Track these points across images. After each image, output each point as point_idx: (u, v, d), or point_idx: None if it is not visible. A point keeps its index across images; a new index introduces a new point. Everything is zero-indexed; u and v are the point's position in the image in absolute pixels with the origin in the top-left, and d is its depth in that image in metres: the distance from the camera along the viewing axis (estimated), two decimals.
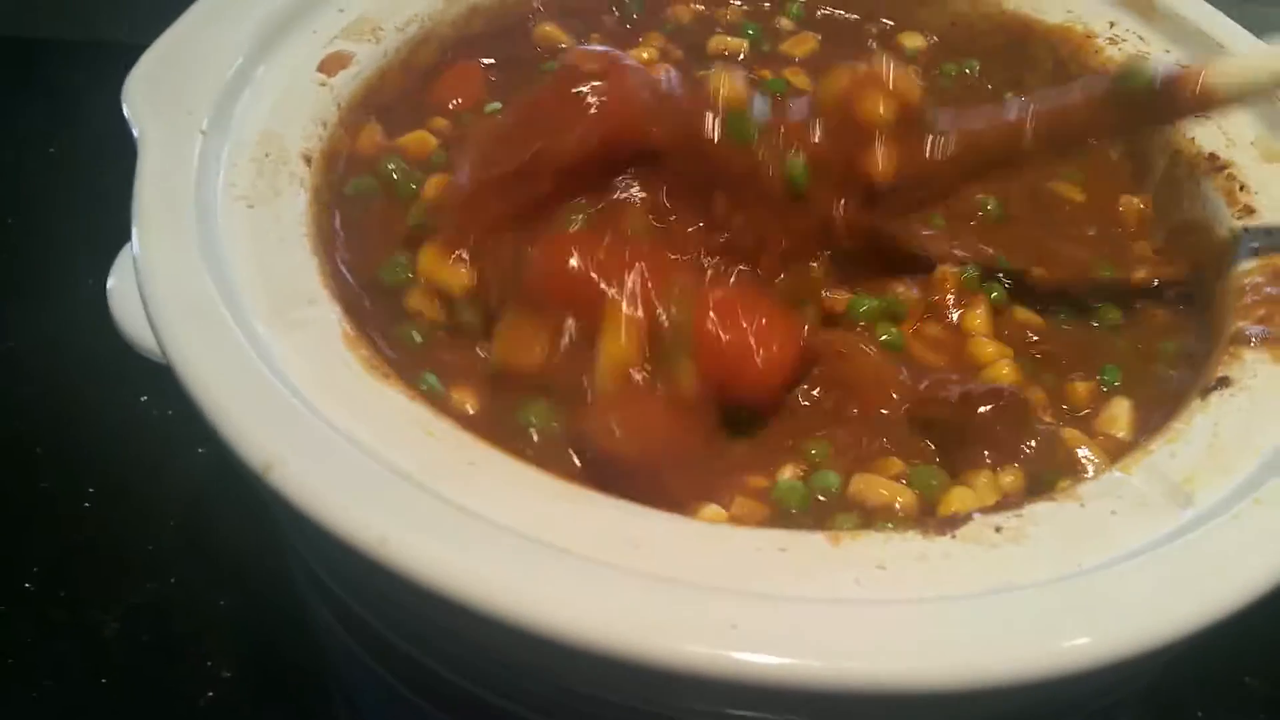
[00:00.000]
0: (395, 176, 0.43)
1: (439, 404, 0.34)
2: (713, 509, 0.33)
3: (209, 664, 0.57)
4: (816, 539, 0.30)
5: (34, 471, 0.65)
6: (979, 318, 0.41)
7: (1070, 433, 0.37)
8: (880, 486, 0.35)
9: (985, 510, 0.31)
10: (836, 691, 0.26)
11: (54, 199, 0.81)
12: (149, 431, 0.66)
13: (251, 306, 0.34)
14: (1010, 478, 0.35)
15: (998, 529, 0.31)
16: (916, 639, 0.27)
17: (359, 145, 0.44)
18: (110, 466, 0.65)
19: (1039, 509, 0.32)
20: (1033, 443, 0.36)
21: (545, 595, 0.27)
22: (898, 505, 0.34)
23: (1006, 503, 0.32)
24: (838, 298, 0.41)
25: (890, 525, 0.32)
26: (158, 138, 0.38)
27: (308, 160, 0.40)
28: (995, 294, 0.42)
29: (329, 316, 0.35)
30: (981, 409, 0.35)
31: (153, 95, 0.40)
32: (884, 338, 0.40)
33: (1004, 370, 0.38)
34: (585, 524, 0.30)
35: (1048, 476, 0.35)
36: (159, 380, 0.66)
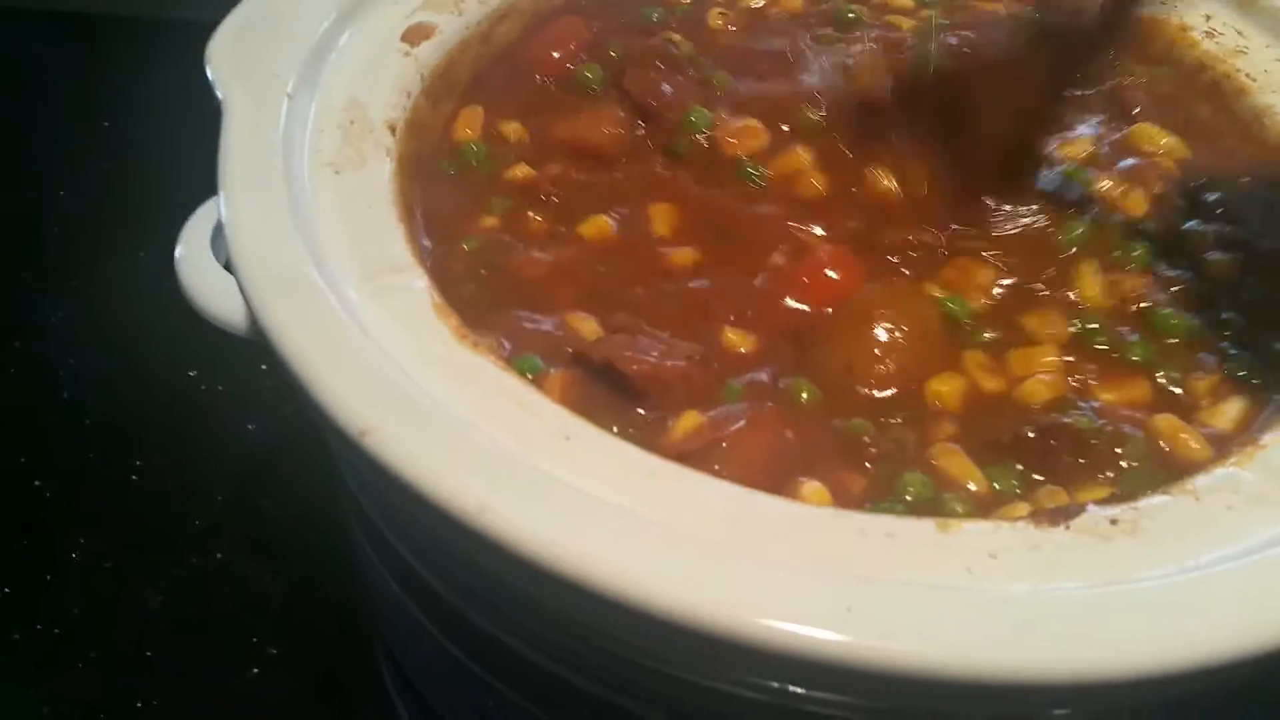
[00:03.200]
0: (475, 163, 0.42)
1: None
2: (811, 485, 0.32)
3: (254, 640, 0.57)
4: (926, 525, 0.29)
5: (83, 443, 0.65)
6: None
7: (1165, 422, 0.35)
8: (956, 464, 0.33)
9: (1099, 502, 0.30)
10: (952, 679, 0.25)
11: (105, 173, 0.81)
12: (199, 406, 0.66)
13: (342, 273, 0.34)
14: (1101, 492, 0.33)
15: (1113, 521, 0.30)
16: (1030, 630, 0.26)
17: (457, 125, 0.43)
18: (159, 440, 0.64)
19: (1153, 502, 0.31)
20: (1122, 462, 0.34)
21: (649, 571, 0.26)
22: (972, 485, 0.33)
23: (1120, 495, 0.31)
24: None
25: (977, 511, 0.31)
26: (243, 101, 0.37)
27: (392, 129, 0.40)
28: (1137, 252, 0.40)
29: (417, 285, 0.34)
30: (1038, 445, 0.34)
31: (237, 59, 0.39)
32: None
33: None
34: (687, 502, 0.29)
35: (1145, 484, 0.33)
36: (210, 355, 0.67)
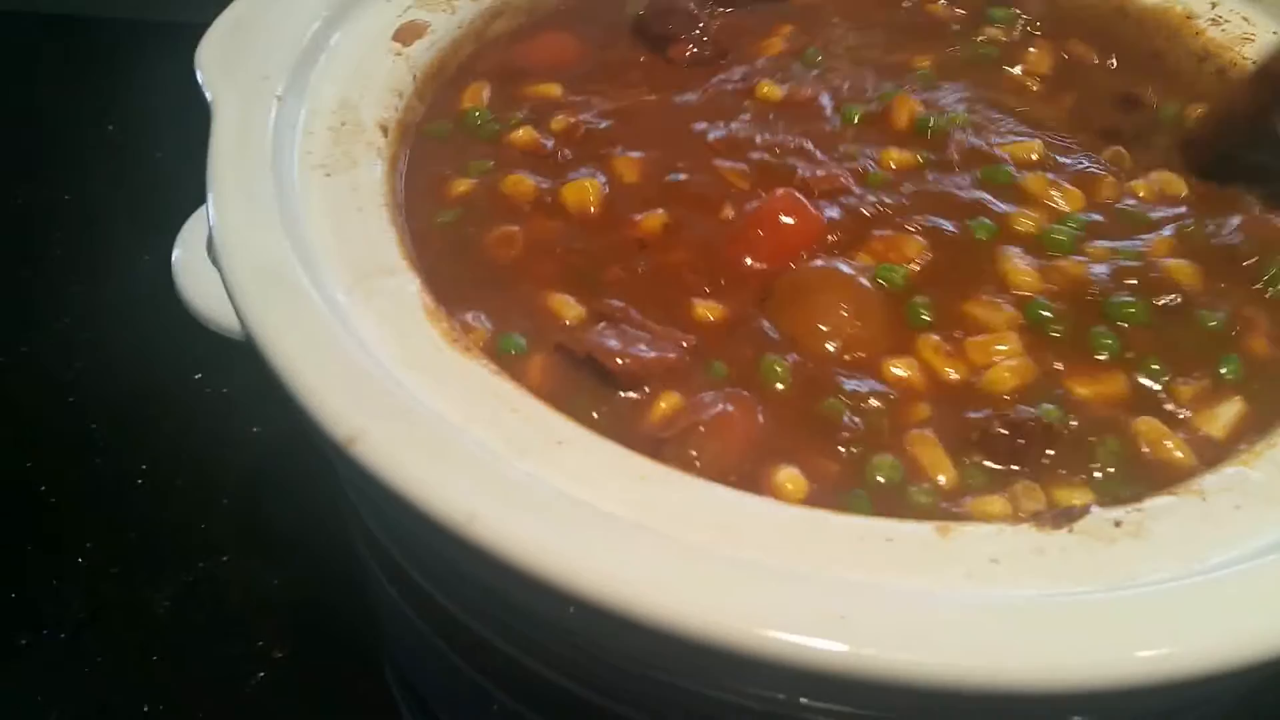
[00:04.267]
0: (479, 122, 0.43)
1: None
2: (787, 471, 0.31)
3: (260, 644, 0.57)
4: (924, 530, 0.28)
5: (88, 448, 0.65)
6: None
7: (1147, 427, 0.33)
8: (928, 453, 0.32)
9: (1104, 504, 0.30)
10: (948, 688, 0.25)
11: (110, 176, 0.81)
12: (203, 409, 0.66)
13: (331, 276, 0.33)
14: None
15: (1117, 524, 0.29)
16: (1035, 637, 0.25)
17: (462, 98, 0.44)
18: (164, 444, 0.64)
19: (1159, 503, 0.30)
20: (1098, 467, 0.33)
21: (641, 579, 0.26)
22: (941, 480, 0.32)
23: (1125, 496, 0.30)
24: None
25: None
26: (232, 104, 0.37)
27: (384, 130, 0.39)
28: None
29: (408, 287, 0.34)
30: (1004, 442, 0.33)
31: (227, 61, 0.39)
32: None
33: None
34: (682, 508, 0.28)
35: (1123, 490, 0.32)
36: (214, 358, 0.67)
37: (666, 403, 0.33)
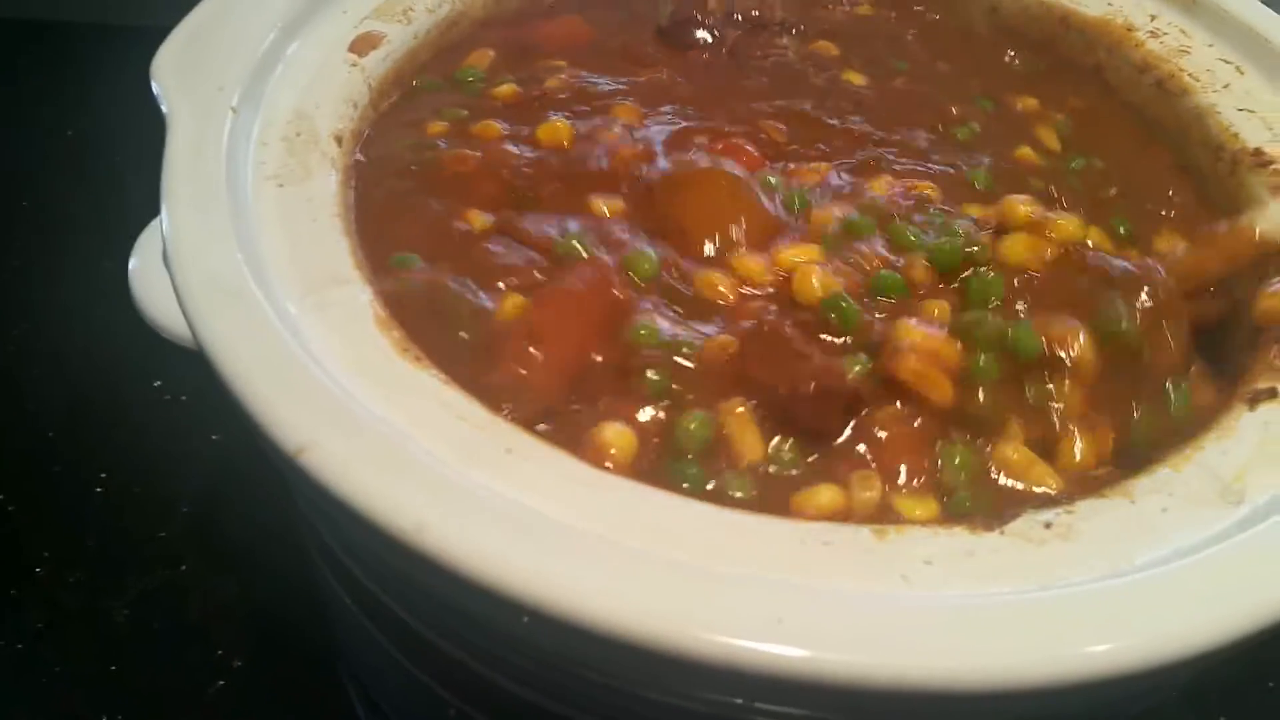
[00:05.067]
0: (470, 79, 0.46)
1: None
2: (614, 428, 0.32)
3: (219, 652, 0.56)
4: (862, 533, 0.29)
5: (46, 455, 0.64)
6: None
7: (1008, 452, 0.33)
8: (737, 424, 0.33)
9: (1035, 506, 0.31)
10: (889, 690, 0.25)
11: (69, 183, 0.81)
12: (162, 417, 0.66)
13: (283, 287, 0.34)
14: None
15: (1047, 525, 0.30)
16: (967, 638, 0.26)
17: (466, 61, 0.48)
18: (123, 451, 0.64)
19: (1089, 505, 0.31)
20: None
21: (586, 585, 0.26)
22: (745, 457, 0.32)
23: (1055, 498, 0.31)
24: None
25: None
26: (187, 115, 0.37)
27: (339, 140, 0.40)
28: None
29: (360, 298, 0.34)
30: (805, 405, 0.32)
31: (182, 72, 0.39)
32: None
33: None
34: (624, 513, 0.29)
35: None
36: (173, 365, 0.66)
37: (511, 302, 0.35)
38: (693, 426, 0.32)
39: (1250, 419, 0.34)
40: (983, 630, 0.27)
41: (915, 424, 0.33)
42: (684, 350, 0.34)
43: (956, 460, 0.32)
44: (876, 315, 0.36)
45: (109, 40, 0.90)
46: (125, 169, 0.81)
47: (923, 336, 0.33)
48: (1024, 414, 0.34)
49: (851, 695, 0.26)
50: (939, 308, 0.36)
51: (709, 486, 0.32)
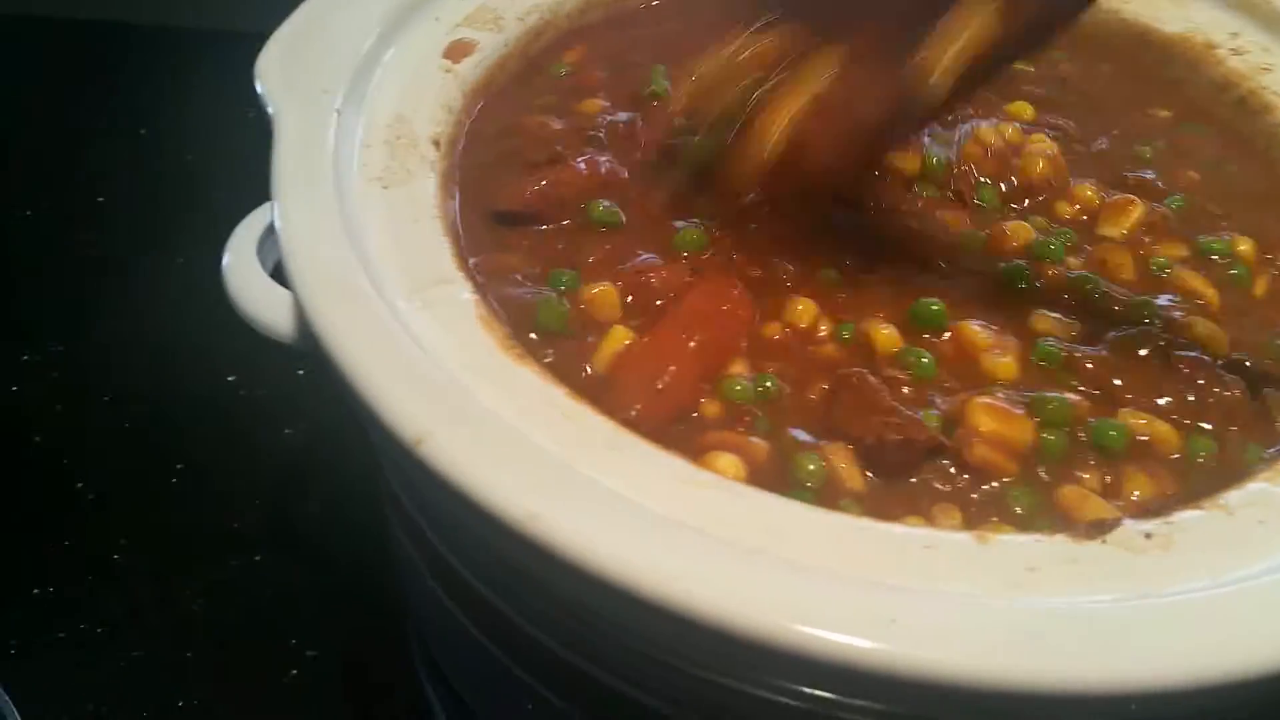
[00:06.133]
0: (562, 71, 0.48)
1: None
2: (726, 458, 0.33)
3: (293, 642, 0.58)
4: (963, 538, 0.30)
5: (125, 446, 0.66)
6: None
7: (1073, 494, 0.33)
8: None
9: (1134, 516, 0.31)
10: (994, 690, 0.26)
11: (144, 179, 0.83)
12: (237, 410, 0.67)
13: (391, 285, 0.35)
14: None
15: (1147, 535, 0.30)
16: (1075, 642, 0.27)
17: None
18: (198, 444, 0.66)
19: (1187, 516, 0.31)
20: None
21: (698, 579, 0.27)
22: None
23: (1155, 509, 0.31)
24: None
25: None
26: (294, 116, 0.39)
27: (436, 144, 0.41)
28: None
29: (464, 296, 0.35)
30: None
31: (287, 73, 0.40)
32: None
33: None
34: (731, 511, 0.30)
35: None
36: (248, 360, 0.68)
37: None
38: (811, 467, 0.33)
39: None
40: (1091, 636, 0.27)
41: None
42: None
43: (1023, 501, 0.33)
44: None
45: (182, 42, 0.93)
46: (196, 167, 0.83)
47: (996, 423, 0.34)
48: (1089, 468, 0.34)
49: (960, 695, 0.26)
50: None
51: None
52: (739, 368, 0.36)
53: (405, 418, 0.30)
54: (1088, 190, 0.44)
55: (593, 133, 0.44)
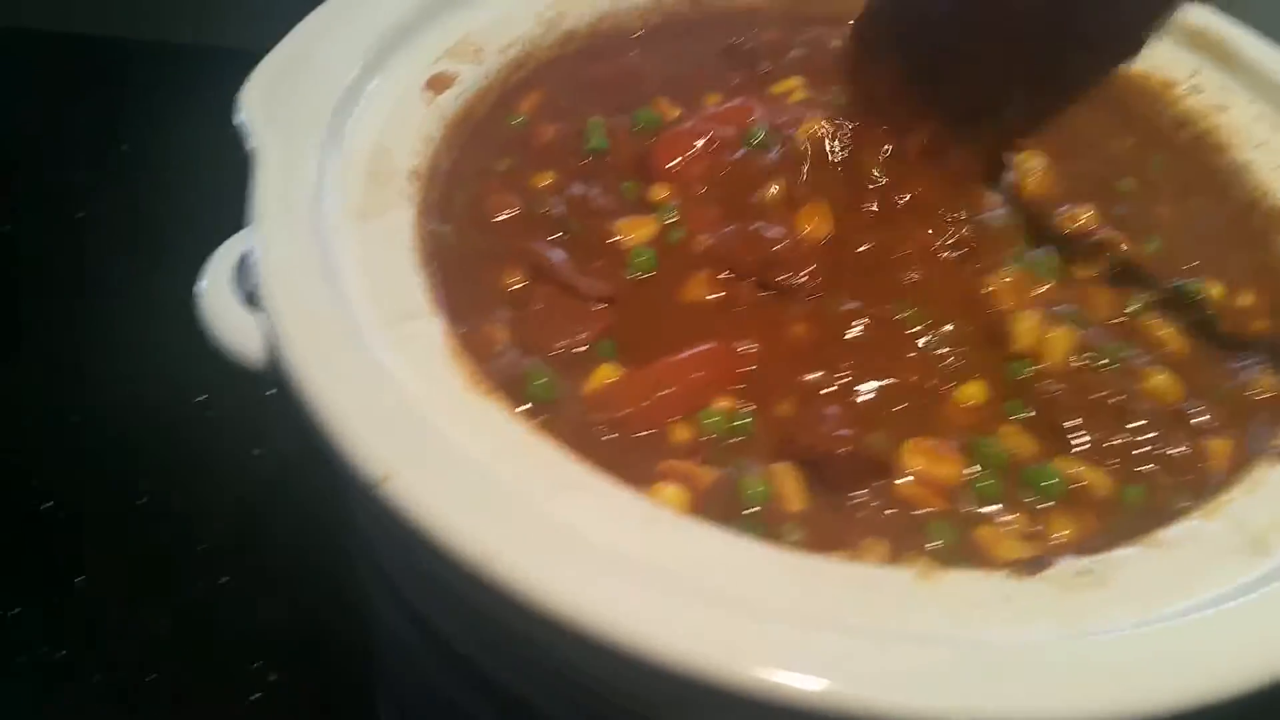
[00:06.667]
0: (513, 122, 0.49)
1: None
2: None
3: (256, 665, 0.58)
4: (907, 576, 0.31)
5: (91, 467, 0.66)
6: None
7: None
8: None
9: (1072, 554, 0.32)
10: None
11: (122, 198, 0.83)
12: (206, 431, 0.67)
13: (365, 319, 0.35)
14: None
15: (1082, 573, 0.32)
16: (999, 683, 0.28)
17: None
18: (166, 465, 0.66)
19: (1122, 553, 0.32)
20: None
21: (650, 619, 0.28)
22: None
23: (1091, 545, 0.33)
24: None
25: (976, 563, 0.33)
26: (276, 148, 0.39)
27: (414, 176, 0.42)
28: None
29: (433, 331, 0.36)
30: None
31: (270, 106, 0.41)
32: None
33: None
34: (688, 551, 0.30)
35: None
36: (217, 380, 0.68)
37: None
38: (758, 489, 0.34)
39: (1276, 475, 0.36)
40: (1014, 677, 0.28)
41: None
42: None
43: (943, 536, 0.34)
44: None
45: (164, 57, 0.93)
46: (176, 185, 0.83)
47: (927, 464, 0.36)
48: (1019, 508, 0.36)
49: None
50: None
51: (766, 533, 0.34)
52: (724, 402, 0.38)
53: (369, 456, 0.30)
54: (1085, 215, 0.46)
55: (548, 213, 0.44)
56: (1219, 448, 0.38)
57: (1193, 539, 0.33)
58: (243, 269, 0.43)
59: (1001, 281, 0.42)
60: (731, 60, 0.53)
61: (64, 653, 0.58)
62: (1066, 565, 0.32)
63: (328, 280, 0.36)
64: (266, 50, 0.43)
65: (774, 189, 0.44)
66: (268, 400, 0.65)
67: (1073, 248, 0.46)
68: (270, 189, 0.38)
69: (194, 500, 0.65)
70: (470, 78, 0.47)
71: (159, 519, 0.64)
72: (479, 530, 0.29)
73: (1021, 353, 0.40)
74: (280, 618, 0.60)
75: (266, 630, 0.59)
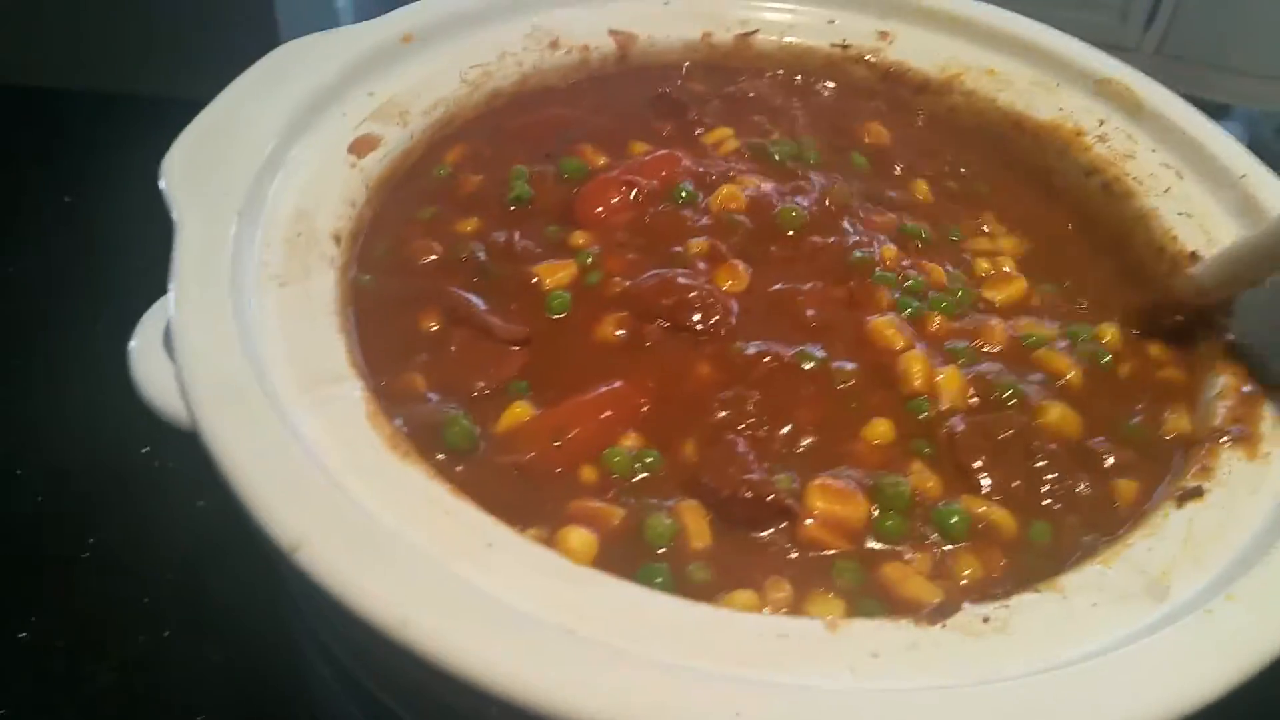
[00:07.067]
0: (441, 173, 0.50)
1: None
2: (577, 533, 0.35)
3: (199, 718, 0.58)
4: (815, 625, 0.32)
5: (34, 520, 0.65)
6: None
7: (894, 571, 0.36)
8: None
9: (974, 600, 0.33)
10: None
11: (66, 248, 0.83)
12: (150, 483, 0.67)
13: (282, 384, 0.36)
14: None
15: (985, 619, 0.33)
16: None
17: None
18: (110, 517, 0.65)
19: (1024, 600, 0.34)
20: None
21: (556, 679, 0.29)
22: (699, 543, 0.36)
23: (993, 593, 0.34)
24: None
25: (880, 611, 0.34)
26: (195, 218, 0.40)
27: (337, 240, 0.42)
28: None
29: (353, 394, 0.37)
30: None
31: (190, 176, 0.41)
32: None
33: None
34: (595, 607, 0.31)
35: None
36: (161, 433, 0.67)
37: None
38: (665, 524, 0.35)
39: (1177, 516, 0.37)
40: None
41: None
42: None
43: (848, 575, 0.35)
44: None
45: (110, 108, 0.93)
46: (119, 237, 0.83)
47: (831, 505, 0.37)
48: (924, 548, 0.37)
49: None
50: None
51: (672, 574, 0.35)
52: (630, 440, 0.39)
53: (282, 524, 0.31)
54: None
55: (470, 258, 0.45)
56: (1126, 488, 0.39)
57: (1093, 585, 0.34)
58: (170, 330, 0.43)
59: (883, 321, 0.43)
60: (660, 109, 0.54)
61: (5, 711, 0.57)
62: (970, 612, 0.33)
63: (246, 348, 0.36)
64: (209, 99, 0.44)
65: (696, 247, 0.45)
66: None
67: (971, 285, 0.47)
68: (188, 259, 0.38)
69: (138, 553, 0.64)
70: (395, 139, 0.48)
71: (103, 573, 0.63)
72: (389, 595, 0.30)
73: (917, 392, 0.41)
74: (224, 670, 0.59)
75: (210, 683, 0.59)
